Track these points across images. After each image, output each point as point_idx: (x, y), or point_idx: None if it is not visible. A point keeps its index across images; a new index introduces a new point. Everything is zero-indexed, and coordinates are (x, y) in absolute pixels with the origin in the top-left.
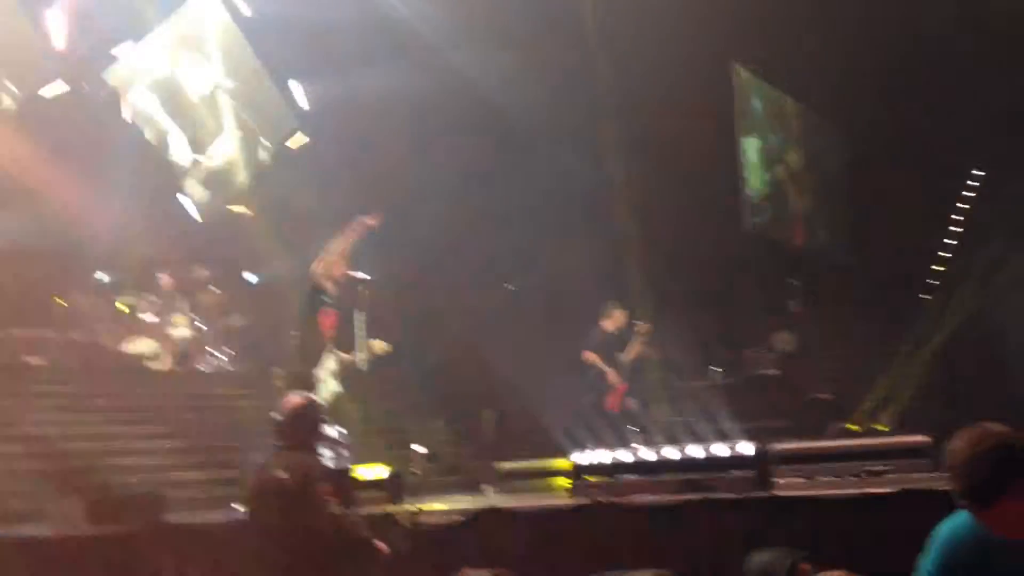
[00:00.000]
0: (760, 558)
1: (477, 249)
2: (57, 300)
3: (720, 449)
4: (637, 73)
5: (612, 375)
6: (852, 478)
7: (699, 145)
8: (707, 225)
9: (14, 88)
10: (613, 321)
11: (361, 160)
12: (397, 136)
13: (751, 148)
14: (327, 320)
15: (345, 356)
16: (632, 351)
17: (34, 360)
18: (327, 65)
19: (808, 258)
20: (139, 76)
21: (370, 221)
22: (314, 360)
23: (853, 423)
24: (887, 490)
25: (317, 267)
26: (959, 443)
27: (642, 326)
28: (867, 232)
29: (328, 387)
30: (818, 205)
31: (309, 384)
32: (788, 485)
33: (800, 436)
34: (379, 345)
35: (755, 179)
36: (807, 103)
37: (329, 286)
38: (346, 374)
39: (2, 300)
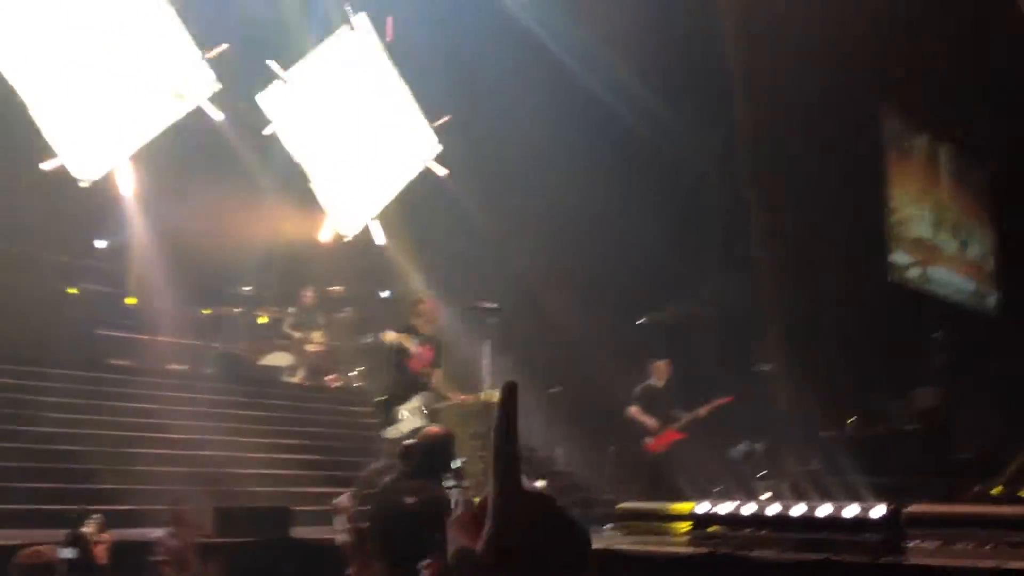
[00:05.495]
0: None
1: (612, 281)
2: (203, 311)
3: (849, 509)
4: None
5: (652, 423)
6: (987, 548)
7: (842, 185)
8: (849, 270)
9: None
10: (659, 375)
11: (492, 190)
12: (527, 157)
13: (898, 192)
14: (420, 356)
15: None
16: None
17: (176, 366)
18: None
19: (955, 308)
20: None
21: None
22: (400, 396)
23: (995, 488)
24: None
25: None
26: None
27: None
28: (1019, 280)
29: (410, 423)
30: (966, 251)
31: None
32: (919, 551)
33: (938, 499)
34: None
35: (901, 224)
36: (954, 143)
37: (420, 324)
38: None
39: (148, 307)
